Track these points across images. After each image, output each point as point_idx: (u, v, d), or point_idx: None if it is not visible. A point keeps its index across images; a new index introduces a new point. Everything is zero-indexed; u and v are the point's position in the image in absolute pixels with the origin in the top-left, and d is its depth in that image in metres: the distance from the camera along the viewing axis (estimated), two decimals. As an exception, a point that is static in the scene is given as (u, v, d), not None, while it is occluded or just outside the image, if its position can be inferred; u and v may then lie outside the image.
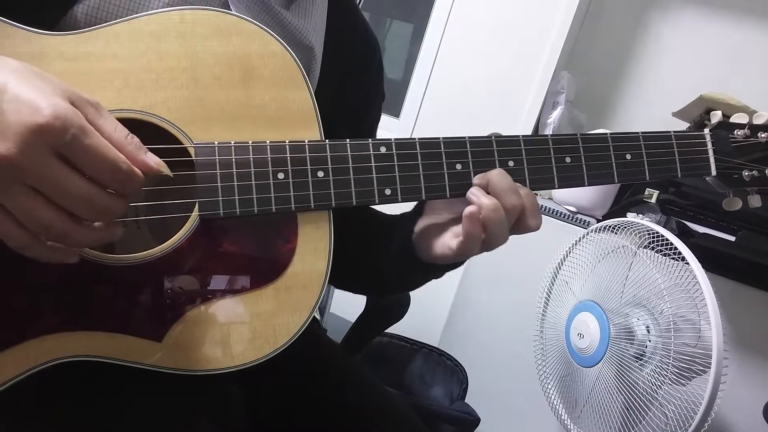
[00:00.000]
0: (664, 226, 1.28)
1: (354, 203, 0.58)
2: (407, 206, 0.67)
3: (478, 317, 1.77)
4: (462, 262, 0.67)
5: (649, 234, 1.23)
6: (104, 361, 0.53)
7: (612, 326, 1.23)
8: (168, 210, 0.55)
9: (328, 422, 0.73)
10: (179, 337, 0.55)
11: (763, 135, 0.67)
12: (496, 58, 1.96)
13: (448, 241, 0.61)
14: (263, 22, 0.60)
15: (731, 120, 0.68)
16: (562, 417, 1.39)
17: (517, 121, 1.90)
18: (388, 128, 2.05)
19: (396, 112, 2.17)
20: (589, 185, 0.64)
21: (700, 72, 1.81)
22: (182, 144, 0.55)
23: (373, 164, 0.59)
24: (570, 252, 1.43)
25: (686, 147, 0.66)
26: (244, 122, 0.56)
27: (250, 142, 0.56)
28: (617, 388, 1.20)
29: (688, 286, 1.11)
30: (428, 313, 1.65)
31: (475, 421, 1.35)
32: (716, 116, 0.68)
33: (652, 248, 1.21)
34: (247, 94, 0.57)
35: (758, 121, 0.67)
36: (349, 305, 1.13)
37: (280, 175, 0.56)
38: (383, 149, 0.59)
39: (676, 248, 1.15)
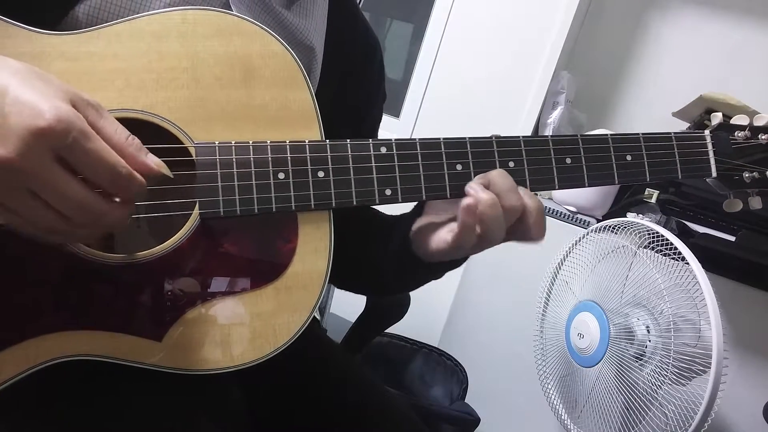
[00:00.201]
0: (664, 226, 1.28)
1: (354, 203, 0.58)
2: (408, 206, 0.68)
3: (478, 317, 1.77)
4: (461, 262, 0.67)
5: (649, 234, 1.23)
6: (104, 360, 0.53)
7: (612, 326, 1.23)
8: (168, 209, 0.55)
9: (328, 422, 0.73)
10: (179, 337, 0.55)
11: (763, 137, 0.67)
12: (496, 58, 1.96)
13: (444, 235, 0.61)
14: (264, 22, 0.60)
15: (732, 121, 0.68)
16: (562, 417, 1.39)
17: (517, 121, 1.90)
18: (388, 128, 2.05)
19: (396, 112, 2.17)
20: (589, 186, 0.63)
21: (700, 72, 1.81)
22: (183, 144, 0.55)
23: (373, 164, 0.59)
24: (570, 252, 1.43)
25: (687, 148, 0.66)
26: (245, 122, 0.57)
27: (251, 142, 0.56)
28: (617, 388, 1.20)
29: (688, 286, 1.11)
30: (428, 313, 1.65)
31: (475, 421, 1.35)
32: (717, 117, 0.68)
33: (652, 248, 1.21)
34: (247, 94, 0.57)
35: (759, 122, 0.67)
36: (349, 305, 1.13)
37: (281, 175, 0.56)
38: (384, 149, 0.59)
39: (676, 248, 1.15)
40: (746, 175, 0.67)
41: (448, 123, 2.04)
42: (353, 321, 1.14)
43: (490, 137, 0.62)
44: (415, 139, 0.60)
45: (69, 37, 0.53)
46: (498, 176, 0.59)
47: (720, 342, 1.04)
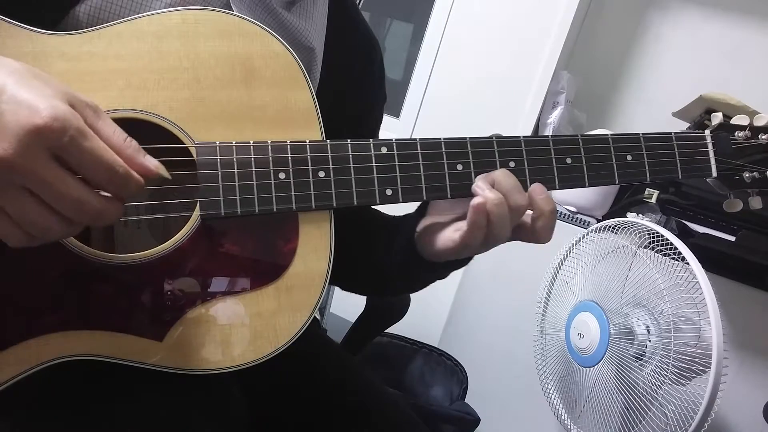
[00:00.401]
0: (664, 226, 1.28)
1: (355, 203, 0.58)
2: (408, 207, 0.68)
3: (478, 317, 1.77)
4: (465, 262, 0.67)
5: (649, 234, 1.24)
6: (105, 360, 0.53)
7: (612, 326, 1.23)
8: (169, 210, 0.55)
9: (328, 422, 0.73)
10: (180, 337, 0.55)
11: (763, 137, 0.67)
12: (496, 58, 1.96)
13: (451, 234, 0.61)
14: (264, 22, 0.60)
15: (732, 121, 0.68)
16: (562, 417, 1.39)
17: (517, 121, 1.90)
18: (388, 128, 2.05)
19: (396, 112, 2.17)
20: (589, 186, 0.64)
21: (700, 72, 1.81)
22: (184, 144, 0.55)
23: (374, 164, 0.59)
24: (570, 252, 1.43)
25: (687, 148, 0.66)
26: (246, 122, 0.57)
27: (252, 141, 0.56)
28: (617, 388, 1.20)
29: (688, 286, 1.12)
30: (428, 313, 1.65)
31: (475, 421, 1.35)
32: (717, 117, 0.68)
33: (652, 248, 1.21)
34: (248, 94, 0.57)
35: (759, 122, 0.67)
36: (349, 305, 1.13)
37: (282, 175, 0.56)
38: (384, 149, 0.59)
39: (676, 248, 1.15)
40: (746, 175, 0.67)
41: (448, 123, 2.04)
42: (353, 321, 1.14)
43: (491, 137, 0.62)
44: (415, 139, 0.60)
45: (70, 38, 0.53)
46: (502, 176, 0.59)
47: (720, 342, 1.04)
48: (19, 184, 0.42)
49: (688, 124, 1.57)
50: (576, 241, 1.42)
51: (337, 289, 1.17)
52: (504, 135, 0.62)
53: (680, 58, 1.85)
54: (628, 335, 1.20)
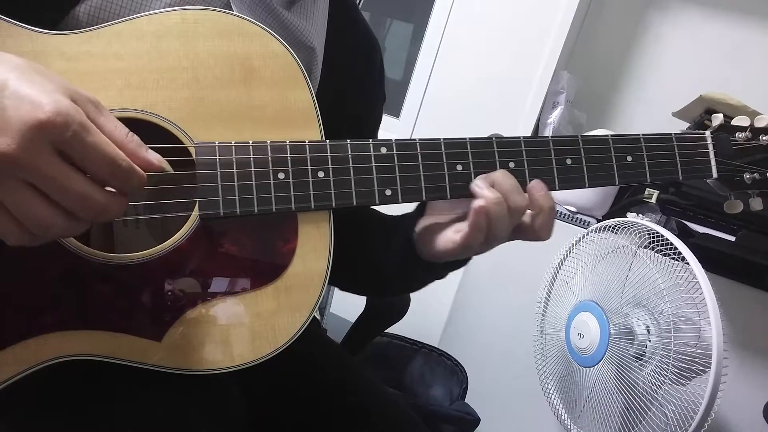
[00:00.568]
0: (664, 226, 1.28)
1: (354, 203, 0.58)
2: (408, 207, 0.67)
3: (478, 317, 1.77)
4: (464, 263, 0.67)
5: (649, 234, 1.23)
6: (104, 360, 0.53)
7: (612, 326, 1.23)
8: (168, 209, 0.55)
9: (328, 423, 0.73)
10: (179, 337, 0.55)
11: (764, 138, 0.67)
12: (496, 58, 1.96)
13: (451, 235, 0.61)
14: (265, 22, 0.60)
15: (733, 123, 0.68)
16: (562, 417, 1.39)
17: (517, 121, 1.90)
18: (388, 128, 2.05)
19: (396, 112, 2.16)
20: (589, 187, 0.64)
21: (700, 72, 1.81)
22: (183, 143, 0.54)
23: (373, 165, 0.58)
24: (570, 252, 1.43)
25: (687, 149, 0.66)
26: (245, 122, 0.56)
27: (251, 141, 0.56)
28: (617, 388, 1.20)
29: (688, 286, 1.12)
30: (428, 313, 1.65)
31: (475, 421, 1.35)
32: (717, 119, 0.68)
33: (652, 248, 1.21)
34: (248, 94, 0.57)
35: (760, 123, 0.67)
36: (349, 305, 1.13)
37: (281, 175, 0.56)
38: (384, 150, 0.59)
39: (676, 248, 1.15)
40: (747, 176, 0.67)
41: (448, 123, 2.04)
42: (353, 321, 1.14)
43: (491, 137, 0.62)
44: (415, 140, 0.60)
45: (69, 37, 0.53)
46: (501, 177, 0.59)
47: (720, 342, 1.04)
48: (21, 179, 0.42)
49: (688, 124, 1.57)
50: (576, 241, 1.42)
51: (337, 289, 1.17)
52: (504, 135, 0.62)
53: (680, 58, 1.85)
54: (628, 335, 1.20)
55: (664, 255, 1.18)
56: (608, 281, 1.28)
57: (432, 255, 0.64)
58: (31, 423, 0.53)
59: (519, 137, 0.62)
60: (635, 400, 1.16)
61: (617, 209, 1.63)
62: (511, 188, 0.59)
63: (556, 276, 1.45)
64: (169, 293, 0.54)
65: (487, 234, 0.58)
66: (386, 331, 1.28)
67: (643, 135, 0.65)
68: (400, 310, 1.14)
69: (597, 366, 1.25)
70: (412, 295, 1.10)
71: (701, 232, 1.55)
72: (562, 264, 1.44)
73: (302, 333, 0.57)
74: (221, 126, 0.56)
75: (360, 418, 0.74)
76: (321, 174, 0.57)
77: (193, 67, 0.55)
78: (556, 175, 0.63)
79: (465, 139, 0.61)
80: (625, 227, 1.29)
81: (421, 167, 0.60)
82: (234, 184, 0.55)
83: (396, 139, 0.59)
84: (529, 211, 0.61)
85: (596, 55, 1.96)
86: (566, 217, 1.63)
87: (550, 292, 1.45)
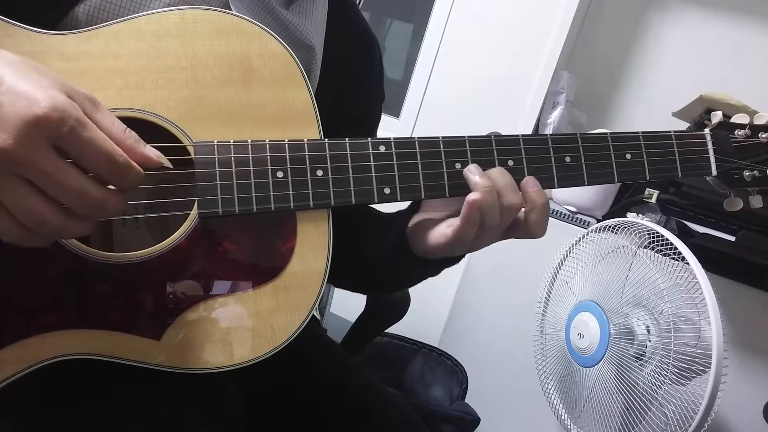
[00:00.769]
0: (664, 226, 1.28)
1: (353, 202, 0.58)
2: (406, 205, 0.67)
3: (478, 317, 1.77)
4: (457, 260, 0.67)
5: (649, 234, 1.23)
6: (103, 359, 0.53)
7: (612, 326, 1.22)
8: (167, 208, 0.55)
9: (327, 423, 0.73)
10: (178, 336, 0.55)
11: (763, 135, 0.67)
12: (496, 58, 1.96)
13: (443, 229, 0.61)
14: (264, 21, 0.60)
15: (732, 120, 0.68)
16: (562, 417, 1.39)
17: (517, 121, 1.90)
18: (388, 128, 2.05)
19: (396, 112, 2.16)
20: (589, 185, 0.63)
21: (700, 72, 1.81)
22: (182, 143, 0.55)
23: (372, 163, 0.58)
24: (570, 252, 1.43)
25: (687, 147, 0.66)
26: (244, 121, 0.56)
27: (249, 140, 0.56)
28: (617, 388, 1.20)
29: (688, 286, 1.11)
30: (428, 313, 1.65)
31: (475, 421, 1.35)
32: (717, 116, 0.68)
33: (652, 248, 1.21)
34: (246, 93, 0.57)
35: (759, 121, 0.67)
36: (349, 305, 1.13)
37: (279, 174, 0.56)
38: (382, 148, 0.59)
39: (676, 248, 1.15)
40: (746, 173, 0.67)
41: (448, 123, 2.04)
42: (353, 321, 1.14)
43: (489, 136, 0.61)
44: (413, 138, 0.60)
45: (68, 37, 0.53)
46: (498, 174, 0.59)
47: (720, 342, 1.04)
48: (18, 174, 0.42)
49: (688, 124, 1.57)
50: (576, 241, 1.42)
51: (337, 289, 1.17)
52: (502, 134, 0.62)
53: (680, 58, 1.85)
54: (628, 335, 1.19)
55: (664, 255, 1.18)
56: (608, 281, 1.28)
57: (425, 250, 0.64)
58: (30, 422, 0.53)
59: (518, 135, 0.62)
60: (635, 400, 1.16)
61: (617, 209, 1.63)
62: (505, 185, 0.59)
63: (556, 276, 1.45)
64: (168, 292, 0.54)
65: (480, 228, 0.58)
66: (386, 331, 1.27)
67: (642, 132, 0.65)
68: (400, 310, 1.14)
69: (597, 366, 1.25)
70: (412, 295, 1.10)
71: (701, 232, 1.55)
72: (562, 264, 1.44)
73: (302, 332, 0.57)
74: (220, 125, 0.56)
75: (360, 418, 0.74)
76: (320, 173, 0.57)
77: (191, 67, 0.55)
78: (555, 173, 0.62)
79: (464, 137, 0.61)
80: (625, 227, 1.29)
81: (419, 165, 0.60)
82: (233, 182, 0.55)
83: (395, 138, 0.59)
84: (523, 209, 0.61)
85: (596, 55, 1.96)
86: (566, 217, 1.63)
87: (550, 292, 1.45)
